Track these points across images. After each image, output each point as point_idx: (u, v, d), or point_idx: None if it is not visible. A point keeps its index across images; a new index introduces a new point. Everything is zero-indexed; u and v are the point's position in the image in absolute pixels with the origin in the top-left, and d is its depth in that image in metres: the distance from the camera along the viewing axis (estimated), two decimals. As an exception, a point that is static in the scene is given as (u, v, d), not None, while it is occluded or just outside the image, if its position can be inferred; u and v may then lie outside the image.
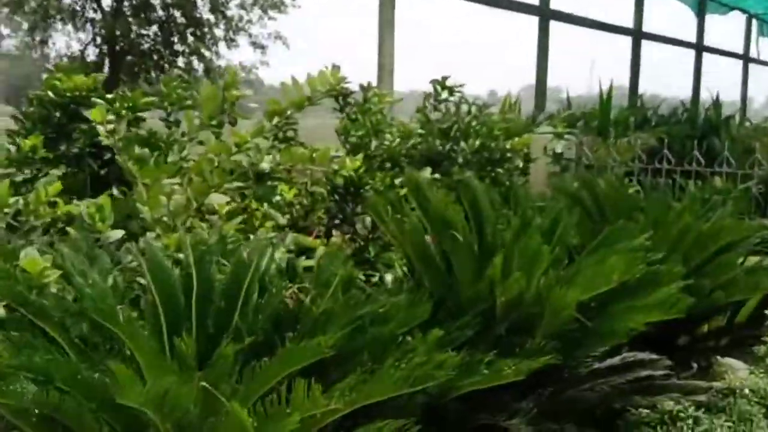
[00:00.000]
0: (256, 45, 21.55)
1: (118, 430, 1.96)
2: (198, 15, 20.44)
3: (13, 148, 3.86)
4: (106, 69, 20.75)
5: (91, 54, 21.24)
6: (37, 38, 21.48)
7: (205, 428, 1.94)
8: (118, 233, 2.95)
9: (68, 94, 5.31)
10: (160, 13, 20.59)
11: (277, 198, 5.91)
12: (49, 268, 2.27)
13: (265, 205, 5.59)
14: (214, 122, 4.25)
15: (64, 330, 2.15)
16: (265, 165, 3.43)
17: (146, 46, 20.99)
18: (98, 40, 20.82)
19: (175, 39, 20.65)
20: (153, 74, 20.55)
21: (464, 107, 5.57)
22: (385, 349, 2.49)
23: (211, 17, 20.86)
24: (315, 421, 2.05)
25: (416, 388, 2.19)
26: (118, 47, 21.46)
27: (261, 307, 2.52)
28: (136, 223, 3.64)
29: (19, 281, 2.15)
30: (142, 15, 20.52)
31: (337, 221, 4.65)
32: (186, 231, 3.46)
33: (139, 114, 5.80)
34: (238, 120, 4.50)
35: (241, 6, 21.46)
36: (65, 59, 22.02)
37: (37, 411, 1.81)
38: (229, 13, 21.15)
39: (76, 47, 21.57)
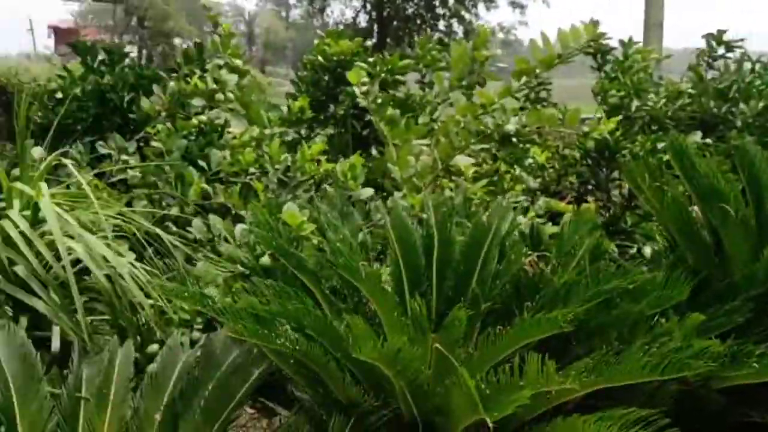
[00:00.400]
0: (515, 5, 21.25)
1: (359, 380, 2.06)
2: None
3: (285, 110, 4.25)
4: (374, 34, 22.13)
5: (362, 21, 22.84)
6: (317, 7, 23.55)
7: (438, 390, 1.95)
8: (368, 191, 3.10)
9: (335, 59, 5.71)
10: (424, -23, 21.25)
11: (529, 161, 5.77)
12: (305, 222, 2.45)
13: (516, 167, 5.49)
14: (464, 83, 4.24)
15: (318, 281, 2.31)
16: (510, 127, 3.32)
17: (410, 11, 21.86)
18: (368, 7, 22.28)
19: (437, 2, 21.13)
20: (416, 38, 21.38)
21: (747, 65, 4.83)
22: (634, 329, 2.27)
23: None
24: (550, 398, 1.95)
25: (668, 377, 1.96)
26: (385, 13, 22.65)
27: (500, 273, 2.46)
28: (390, 182, 3.80)
29: (281, 234, 2.35)
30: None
31: (589, 187, 4.38)
32: (431, 191, 3.52)
33: (397, 76, 6.06)
34: (490, 81, 4.43)
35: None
36: (341, 26, 23.99)
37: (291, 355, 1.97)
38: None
39: (349, 15, 23.33)
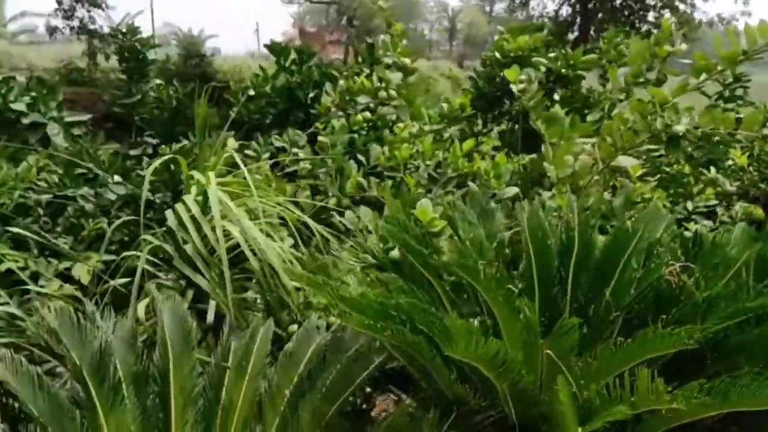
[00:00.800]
0: (739, -6, 18.99)
1: (469, 378, 2.06)
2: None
3: (445, 106, 4.29)
4: (576, 27, 21.25)
5: (565, 13, 22.02)
6: (519, 0, 23.12)
7: (543, 397, 1.89)
8: (512, 190, 3.04)
9: (511, 54, 5.64)
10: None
11: (729, 162, 5.24)
12: (436, 218, 2.49)
13: (712, 169, 5.01)
14: (641, 80, 3.95)
15: (441, 279, 2.34)
16: (680, 128, 3.04)
17: (618, 1, 20.60)
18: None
19: (652, -7, 19.67)
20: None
21: None
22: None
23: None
24: (671, 417, 1.80)
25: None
26: (590, 5, 21.61)
27: (639, 282, 2.29)
28: (548, 180, 3.68)
29: (408, 229, 2.41)
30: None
31: (785, 193, 3.86)
32: (594, 192, 3.36)
33: (579, 72, 5.82)
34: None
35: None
36: (543, 19, 23.36)
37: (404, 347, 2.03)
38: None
39: (551, 7, 22.60)
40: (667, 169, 4.79)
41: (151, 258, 2.92)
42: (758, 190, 4.97)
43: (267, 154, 4.01)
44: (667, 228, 2.59)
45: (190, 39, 14.89)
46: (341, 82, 4.17)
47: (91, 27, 15.26)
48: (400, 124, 3.83)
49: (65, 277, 3.46)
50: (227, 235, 2.74)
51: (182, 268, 2.76)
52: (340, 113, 4.11)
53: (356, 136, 3.97)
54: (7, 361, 2.09)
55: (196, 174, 2.97)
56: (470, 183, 3.13)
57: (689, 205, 4.57)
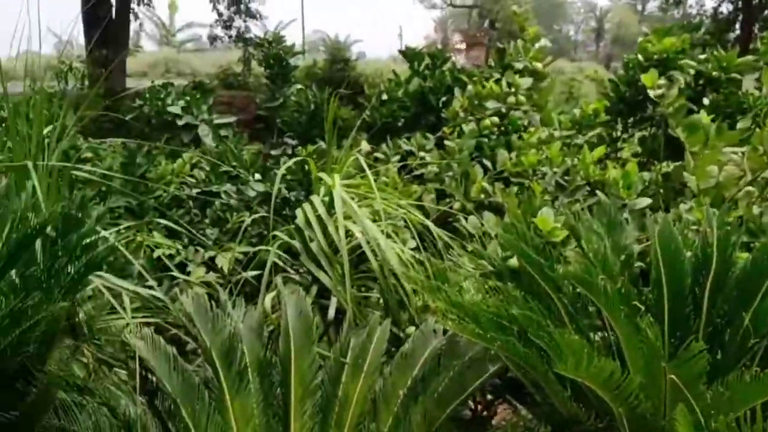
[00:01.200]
0: None
1: (582, 397, 1.98)
2: None
3: (577, 111, 4.14)
4: (738, 26, 19.62)
5: (725, 10, 20.37)
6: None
7: (663, 425, 1.78)
8: (644, 201, 2.88)
9: (655, 57, 5.32)
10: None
11: None
12: (558, 228, 2.41)
13: None
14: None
15: (559, 290, 2.27)
16: None
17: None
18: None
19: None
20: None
21: None
22: None
23: None
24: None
25: None
26: (754, 1, 19.86)
27: (784, 308, 2.09)
28: (689, 191, 3.46)
29: (527, 239, 2.36)
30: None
31: None
32: (735, 206, 3.11)
33: (735, 75, 5.38)
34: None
35: None
36: (701, 17, 21.80)
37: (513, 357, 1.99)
38: None
39: (709, 4, 21.02)
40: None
41: (282, 253, 3.08)
42: None
43: (396, 157, 4.08)
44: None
45: (336, 45, 15.55)
46: (470, 86, 4.15)
47: (247, 36, 16.41)
48: (532, 129, 3.74)
49: (209, 266, 3.74)
50: (350, 234, 2.82)
51: (308, 265, 2.88)
52: (470, 117, 4.09)
53: (485, 140, 3.94)
54: (148, 341, 2.29)
55: (324, 175, 3.09)
56: (598, 192, 3.00)
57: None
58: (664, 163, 3.59)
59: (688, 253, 2.44)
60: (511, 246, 2.32)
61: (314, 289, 2.89)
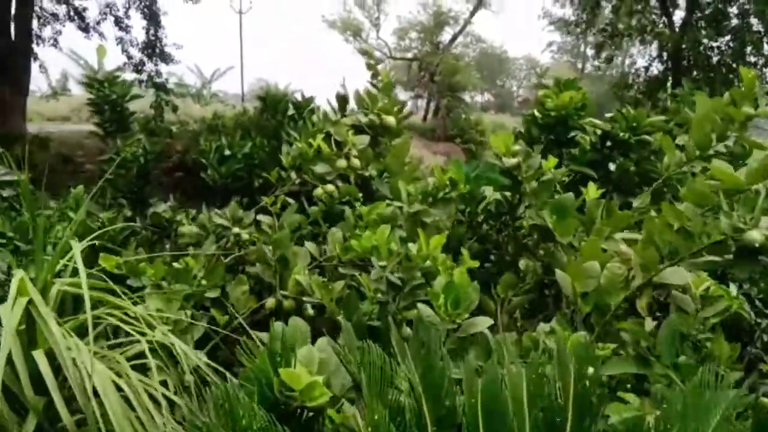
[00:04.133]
0: None
1: None
2: (787, 19, 17.23)
3: (431, 181, 3.28)
4: (669, 85, 19.68)
5: (656, 70, 20.48)
6: (603, 57, 21.90)
7: None
8: (483, 322, 2.00)
9: (552, 114, 4.59)
10: (734, 22, 18.17)
11: None
12: (317, 385, 1.50)
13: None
14: (711, 152, 2.84)
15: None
16: (756, 235, 1.94)
17: (715, 59, 18.93)
18: (664, 55, 19.88)
19: (748, 50, 17.98)
20: (719, 89, 18.35)
21: None
22: None
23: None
24: None
25: None
26: (684, 62, 20.06)
27: None
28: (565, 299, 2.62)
29: (269, 401, 1.43)
30: (714, 26, 18.52)
31: None
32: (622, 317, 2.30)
33: (644, 136, 4.70)
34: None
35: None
36: (634, 77, 21.92)
37: None
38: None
39: (641, 63, 21.13)
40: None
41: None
42: None
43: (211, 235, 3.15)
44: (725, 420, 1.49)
45: (273, 93, 14.73)
46: (296, 144, 3.24)
47: (158, 80, 15.58)
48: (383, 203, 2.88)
49: None
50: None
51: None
52: (296, 183, 3.21)
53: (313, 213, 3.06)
54: None
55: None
56: (420, 306, 2.11)
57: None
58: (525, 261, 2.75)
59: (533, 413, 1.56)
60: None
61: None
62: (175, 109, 15.49)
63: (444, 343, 1.99)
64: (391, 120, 3.31)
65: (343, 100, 3.48)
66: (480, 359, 2.04)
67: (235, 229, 2.95)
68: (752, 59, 18.16)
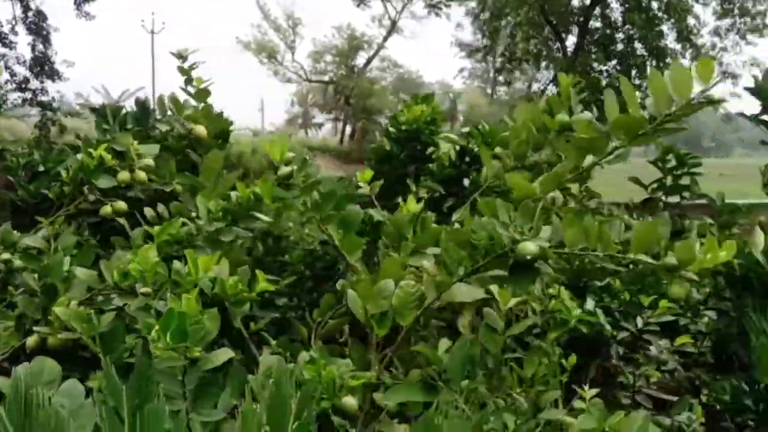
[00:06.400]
0: (726, 74, 18.25)
1: None
2: (662, 45, 18.27)
3: (234, 195, 3.01)
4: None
5: (550, 92, 21.18)
6: (500, 79, 22.59)
7: None
8: (224, 354, 1.73)
9: (404, 128, 4.45)
10: (620, 47, 19.08)
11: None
12: None
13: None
14: (527, 163, 2.72)
15: None
16: (531, 247, 1.77)
17: (604, 82, 19.79)
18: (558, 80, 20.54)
19: (634, 72, 18.91)
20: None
21: None
22: None
23: (678, 46, 18.52)
24: None
25: None
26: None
27: None
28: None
29: None
30: (602, 49, 19.43)
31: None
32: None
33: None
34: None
35: (715, 32, 18.55)
36: (537, 96, 22.68)
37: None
38: (699, 41, 18.47)
39: (535, 87, 21.85)
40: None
41: None
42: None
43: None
44: None
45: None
46: (77, 156, 2.87)
47: (44, 99, 14.81)
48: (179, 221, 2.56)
49: None
50: None
51: None
52: (81, 201, 2.86)
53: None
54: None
55: None
56: (151, 335, 1.83)
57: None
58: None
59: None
60: None
61: None
62: (62, 129, 14.72)
63: (184, 382, 1.70)
64: (201, 130, 3.01)
65: (143, 107, 3.15)
66: (234, 397, 1.77)
67: (5, 255, 2.56)
68: (637, 81, 19.03)
